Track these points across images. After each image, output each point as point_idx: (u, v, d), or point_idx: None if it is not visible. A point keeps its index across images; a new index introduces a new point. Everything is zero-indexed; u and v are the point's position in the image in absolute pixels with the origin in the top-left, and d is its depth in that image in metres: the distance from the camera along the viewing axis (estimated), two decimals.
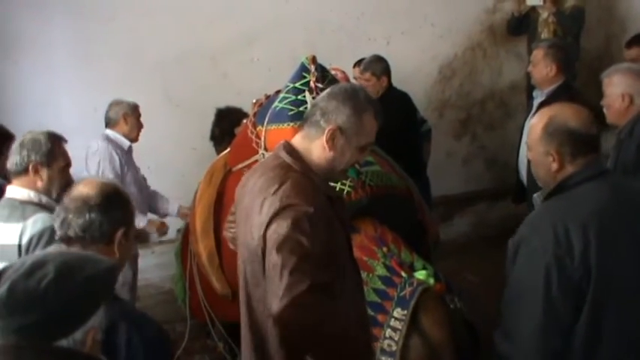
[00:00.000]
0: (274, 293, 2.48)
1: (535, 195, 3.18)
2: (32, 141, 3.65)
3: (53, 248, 2.56)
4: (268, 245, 2.59)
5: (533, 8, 7.58)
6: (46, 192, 3.67)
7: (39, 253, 2.34)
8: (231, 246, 3.30)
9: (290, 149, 2.82)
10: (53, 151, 3.69)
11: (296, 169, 2.75)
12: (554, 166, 2.93)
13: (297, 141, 2.85)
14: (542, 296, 2.75)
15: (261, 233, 2.63)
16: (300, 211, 2.57)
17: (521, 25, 7.72)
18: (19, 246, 3.45)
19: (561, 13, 7.38)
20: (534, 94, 5.56)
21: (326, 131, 2.72)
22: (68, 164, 3.84)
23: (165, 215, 5.90)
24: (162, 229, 5.65)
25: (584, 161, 2.91)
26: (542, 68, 5.32)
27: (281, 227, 2.55)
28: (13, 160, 3.63)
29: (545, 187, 3.08)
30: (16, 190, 3.62)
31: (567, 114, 2.97)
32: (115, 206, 2.61)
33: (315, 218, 2.57)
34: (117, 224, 2.59)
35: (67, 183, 3.56)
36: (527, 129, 5.28)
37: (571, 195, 2.90)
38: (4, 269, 1.94)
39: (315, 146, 2.77)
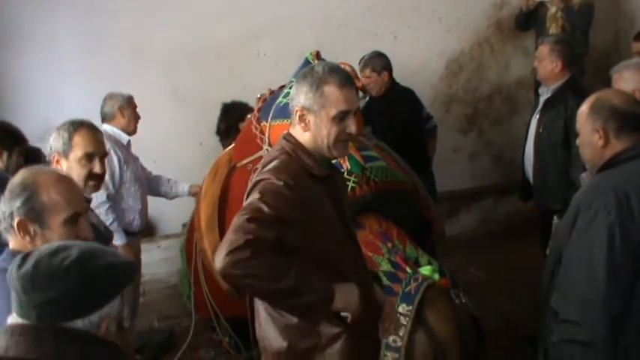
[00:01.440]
0: (224, 241, 2.66)
1: (582, 174, 3.34)
2: None
3: None
4: None
5: (542, 4, 7.53)
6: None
7: (66, 240, 2.38)
8: None
9: (288, 135, 2.99)
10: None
11: (287, 151, 2.91)
12: (601, 142, 3.09)
13: (291, 129, 3.00)
14: (605, 256, 2.87)
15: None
16: (268, 183, 2.77)
17: (529, 20, 7.67)
18: None
19: (570, 9, 7.32)
20: (540, 90, 5.53)
21: (294, 114, 2.92)
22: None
23: (174, 197, 5.85)
24: None
25: (629, 138, 3.07)
26: (548, 64, 5.29)
27: (249, 199, 2.76)
28: None
29: (592, 168, 3.22)
30: None
31: (611, 94, 3.20)
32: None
33: (283, 190, 2.74)
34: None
35: None
36: (533, 125, 5.32)
37: (622, 169, 3.05)
38: (32, 250, 2.01)
39: (297, 130, 2.95)
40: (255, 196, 2.73)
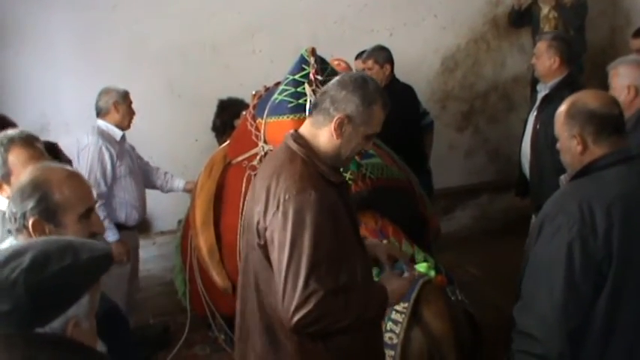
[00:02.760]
0: (288, 299, 2.59)
1: (561, 177, 3.29)
2: None
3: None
4: (269, 237, 2.69)
5: (535, 2, 7.54)
6: None
7: (31, 240, 2.33)
8: None
9: (297, 136, 2.87)
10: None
11: (301, 156, 2.80)
12: (579, 148, 3.01)
13: (306, 128, 2.90)
14: (564, 272, 2.81)
15: (263, 220, 2.72)
16: (301, 200, 2.65)
17: (523, 18, 7.69)
18: None
19: (563, 7, 7.33)
20: (538, 87, 5.53)
21: (335, 119, 2.77)
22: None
23: (169, 191, 5.87)
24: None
25: (607, 143, 2.98)
26: (546, 60, 5.30)
27: (283, 221, 2.64)
28: None
29: (571, 172, 3.14)
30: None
31: (588, 97, 3.09)
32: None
33: (316, 204, 2.65)
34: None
35: None
36: (531, 122, 5.32)
37: (597, 177, 2.97)
38: None
39: (322, 133, 2.82)
40: (292, 223, 2.64)
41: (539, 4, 7.50)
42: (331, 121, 2.78)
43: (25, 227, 2.57)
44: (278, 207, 2.67)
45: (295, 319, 2.58)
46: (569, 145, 3.06)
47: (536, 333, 2.87)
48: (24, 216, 2.56)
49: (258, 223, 2.77)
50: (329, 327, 2.66)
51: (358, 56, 6.61)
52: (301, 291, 2.57)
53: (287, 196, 2.66)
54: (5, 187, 3.41)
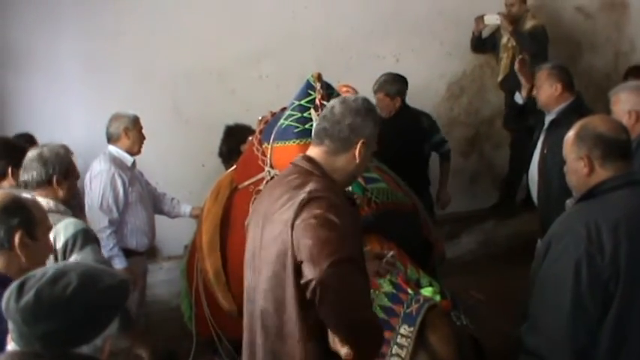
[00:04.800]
0: (315, 262, 2.61)
1: (567, 201, 3.30)
2: (55, 155, 3.86)
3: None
4: (298, 232, 2.71)
5: (498, 29, 7.58)
6: (65, 201, 3.89)
7: (59, 263, 2.43)
8: None
9: (309, 159, 2.96)
10: (72, 164, 3.98)
11: (317, 174, 2.89)
12: (585, 170, 3.05)
13: (317, 155, 2.96)
14: (571, 291, 2.84)
15: (288, 226, 2.75)
16: (331, 201, 2.75)
17: (485, 44, 7.74)
18: (54, 250, 3.52)
19: (521, 34, 7.34)
20: (546, 112, 5.53)
21: (359, 144, 2.90)
22: (78, 176, 4.10)
23: (176, 217, 5.89)
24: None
25: (614, 166, 3.02)
26: (547, 88, 5.31)
27: (312, 212, 2.71)
28: (33, 173, 3.78)
29: (578, 194, 3.17)
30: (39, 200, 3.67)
31: (597, 121, 3.16)
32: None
33: (343, 211, 2.76)
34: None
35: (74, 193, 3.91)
36: (538, 146, 5.32)
37: (603, 199, 3.01)
38: (27, 278, 2.00)
39: (340, 159, 2.94)
40: (323, 209, 2.71)
41: (500, 31, 7.54)
42: (352, 146, 2.91)
43: (9, 242, 2.70)
44: (304, 207, 2.74)
45: (325, 264, 2.57)
46: (576, 166, 3.10)
47: (544, 352, 2.88)
48: (9, 231, 2.70)
49: (276, 236, 2.81)
50: (347, 292, 2.64)
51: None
52: (328, 249, 2.61)
53: (313, 198, 2.75)
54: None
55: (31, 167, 3.81)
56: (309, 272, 2.61)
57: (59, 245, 3.58)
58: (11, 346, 1.98)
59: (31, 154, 3.89)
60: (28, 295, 1.92)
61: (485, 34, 7.70)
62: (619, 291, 2.83)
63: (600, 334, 2.86)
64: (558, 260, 2.93)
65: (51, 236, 3.39)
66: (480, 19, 7.46)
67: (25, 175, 3.82)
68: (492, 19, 7.38)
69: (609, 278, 2.82)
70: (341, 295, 2.62)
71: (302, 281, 2.64)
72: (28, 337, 1.91)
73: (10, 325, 1.96)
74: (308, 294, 2.62)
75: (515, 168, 7.48)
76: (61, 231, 3.62)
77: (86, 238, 3.67)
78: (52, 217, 3.52)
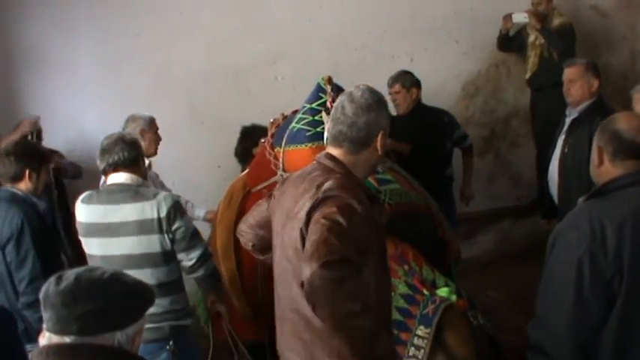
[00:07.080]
0: (308, 262, 2.61)
1: (580, 199, 3.26)
2: (136, 141, 4.32)
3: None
4: (309, 230, 2.75)
5: (524, 28, 7.56)
6: (144, 178, 4.38)
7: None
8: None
9: (331, 157, 2.98)
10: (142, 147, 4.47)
11: (338, 171, 2.90)
12: (596, 160, 3.07)
13: (339, 154, 2.98)
14: (573, 287, 2.83)
15: (302, 223, 2.79)
16: (342, 200, 2.74)
17: (512, 42, 7.73)
18: (159, 219, 4.00)
19: (549, 32, 7.27)
20: (567, 111, 5.49)
21: (379, 137, 2.96)
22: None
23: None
24: None
25: (622, 165, 3.00)
26: (584, 84, 5.24)
27: (323, 211, 2.72)
28: (124, 153, 4.12)
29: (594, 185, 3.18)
30: (127, 177, 4.15)
31: (622, 118, 3.13)
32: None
33: (355, 210, 2.74)
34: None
35: None
36: (559, 145, 5.29)
37: (611, 198, 3.00)
38: (64, 271, 2.10)
39: (362, 155, 2.98)
40: (333, 210, 2.71)
41: (527, 30, 7.51)
42: (372, 141, 2.96)
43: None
44: (318, 206, 2.77)
45: (315, 266, 2.56)
46: (594, 155, 3.11)
47: (547, 347, 2.88)
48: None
49: (295, 232, 2.84)
50: (335, 294, 2.59)
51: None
52: (321, 250, 2.61)
53: (328, 197, 2.77)
54: None
55: (116, 150, 4.13)
56: (304, 272, 2.63)
57: (163, 214, 4.00)
58: (45, 339, 2.04)
59: (112, 138, 4.22)
60: (68, 280, 2.03)
61: (511, 32, 7.69)
62: (623, 289, 2.81)
63: (605, 331, 2.85)
64: (561, 256, 2.94)
65: (152, 207, 3.98)
66: (508, 17, 7.45)
67: (113, 157, 4.13)
68: (520, 18, 7.38)
69: (612, 276, 2.81)
70: (327, 299, 2.59)
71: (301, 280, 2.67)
72: (66, 319, 1.98)
73: (46, 314, 2.03)
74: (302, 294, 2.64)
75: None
76: (162, 202, 4.03)
77: (181, 208, 4.21)
78: (146, 191, 4.15)
